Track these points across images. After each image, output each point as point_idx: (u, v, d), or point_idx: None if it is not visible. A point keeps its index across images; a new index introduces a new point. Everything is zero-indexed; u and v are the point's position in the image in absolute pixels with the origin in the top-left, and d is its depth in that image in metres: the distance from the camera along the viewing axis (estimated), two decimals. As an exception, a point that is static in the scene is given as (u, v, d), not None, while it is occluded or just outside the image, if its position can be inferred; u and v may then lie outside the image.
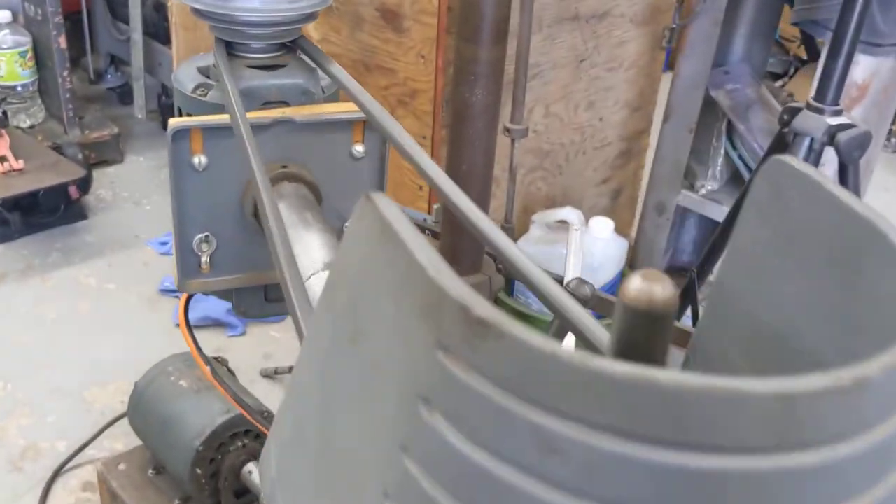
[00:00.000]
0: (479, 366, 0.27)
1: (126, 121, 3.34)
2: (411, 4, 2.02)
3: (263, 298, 1.11)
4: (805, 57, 4.34)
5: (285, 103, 1.01)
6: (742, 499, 0.25)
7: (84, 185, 2.62)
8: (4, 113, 2.60)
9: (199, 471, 1.54)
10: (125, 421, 1.90)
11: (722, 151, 2.17)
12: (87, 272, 2.50)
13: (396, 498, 0.30)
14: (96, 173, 2.86)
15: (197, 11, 1.00)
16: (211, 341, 2.26)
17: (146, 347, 2.22)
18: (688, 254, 2.62)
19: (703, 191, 2.20)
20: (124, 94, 3.55)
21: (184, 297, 1.15)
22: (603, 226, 2.13)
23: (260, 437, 1.62)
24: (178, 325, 2.31)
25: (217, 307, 2.32)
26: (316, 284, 0.82)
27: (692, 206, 2.23)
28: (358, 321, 0.34)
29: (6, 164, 2.46)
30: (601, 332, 0.54)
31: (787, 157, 0.38)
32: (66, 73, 2.91)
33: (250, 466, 1.58)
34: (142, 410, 1.64)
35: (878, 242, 0.32)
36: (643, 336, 0.32)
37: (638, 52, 2.51)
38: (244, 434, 1.60)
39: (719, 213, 2.19)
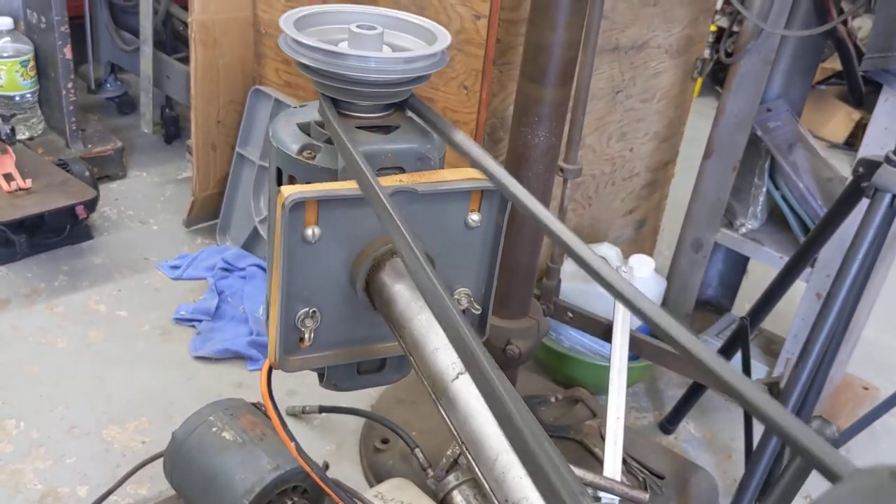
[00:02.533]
0: None
1: (127, 133, 3.22)
2: (456, 34, 1.95)
3: (356, 371, 1.03)
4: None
5: (401, 169, 0.93)
6: None
7: (92, 205, 2.51)
8: (12, 129, 2.48)
9: (245, 530, 1.46)
10: (149, 465, 1.81)
11: (764, 190, 2.13)
12: (96, 298, 2.38)
13: None
14: (100, 190, 2.75)
15: (305, 67, 0.91)
16: (231, 375, 2.17)
17: (163, 381, 2.12)
18: (713, 287, 2.58)
19: (742, 229, 2.16)
20: (123, 104, 3.43)
21: (266, 364, 1.06)
22: (644, 265, 2.08)
23: (308, 493, 1.54)
24: (195, 358, 2.22)
25: (237, 340, 2.23)
26: (464, 388, 0.75)
27: (731, 245, 2.18)
28: None
29: (13, 183, 2.34)
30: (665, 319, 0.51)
31: None
32: (70, 85, 2.79)
33: (299, 525, 1.50)
34: (181, 462, 1.55)
35: None
36: None
37: (670, 84, 2.46)
38: (293, 490, 1.52)
39: (758, 252, 2.14)
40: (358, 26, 0.94)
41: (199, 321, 2.31)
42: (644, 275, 2.06)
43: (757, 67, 1.97)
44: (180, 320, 2.33)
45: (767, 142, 2.06)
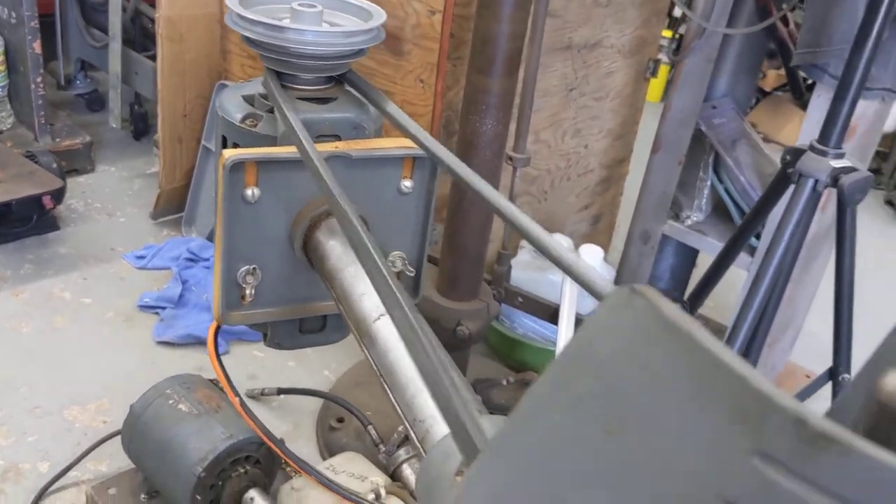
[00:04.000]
0: (811, 478, 0.27)
1: (96, 129, 3.27)
2: (412, 29, 2.02)
3: (298, 330, 1.10)
4: (767, 89, 4.47)
5: (337, 137, 1.01)
6: None
7: (58, 195, 2.55)
8: (-19, 120, 2.52)
9: (199, 497, 1.52)
10: (108, 443, 1.86)
11: (708, 184, 2.22)
12: (61, 286, 2.43)
13: None
14: (67, 183, 2.79)
15: (249, 41, 0.99)
16: (193, 360, 2.22)
17: (126, 366, 2.17)
18: (665, 280, 2.67)
19: (688, 221, 2.25)
20: (92, 101, 3.48)
21: (213, 325, 1.13)
22: (592, 254, 2.16)
23: (260, 463, 1.60)
24: (158, 343, 2.27)
25: (200, 325, 2.28)
26: (384, 328, 0.82)
27: (677, 236, 2.27)
28: (616, 414, 0.34)
29: (-20, 172, 2.39)
30: (605, 285, 0.59)
31: None
32: (39, 79, 2.83)
33: (252, 493, 1.56)
34: (139, 434, 1.60)
35: None
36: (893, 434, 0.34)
37: (623, 83, 2.56)
38: (245, 460, 1.57)
39: (703, 243, 2.23)
40: (299, 4, 1.01)
41: (163, 308, 2.36)
42: (593, 263, 2.14)
43: (700, 66, 2.07)
44: (144, 307, 2.38)
45: (711, 137, 2.16)
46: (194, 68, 2.57)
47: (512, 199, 1.91)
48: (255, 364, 2.25)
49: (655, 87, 4.53)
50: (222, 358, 2.33)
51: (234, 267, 0.98)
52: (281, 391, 2.06)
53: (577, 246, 2.37)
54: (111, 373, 2.13)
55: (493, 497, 0.42)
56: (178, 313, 2.35)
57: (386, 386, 0.79)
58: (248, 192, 0.94)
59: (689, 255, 2.60)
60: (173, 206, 2.77)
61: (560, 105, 2.36)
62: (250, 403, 2.11)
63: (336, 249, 0.93)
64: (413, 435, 0.74)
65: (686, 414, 0.31)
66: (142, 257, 2.58)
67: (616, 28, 2.39)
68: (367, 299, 0.85)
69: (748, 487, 0.29)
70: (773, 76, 4.40)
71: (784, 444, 0.28)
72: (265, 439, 1.27)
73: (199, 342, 2.27)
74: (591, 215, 2.77)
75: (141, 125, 3.30)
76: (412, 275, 1.08)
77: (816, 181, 1.52)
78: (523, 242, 2.28)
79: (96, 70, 3.44)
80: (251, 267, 0.99)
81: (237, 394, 1.12)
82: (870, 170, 4.04)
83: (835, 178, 1.51)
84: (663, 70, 4.15)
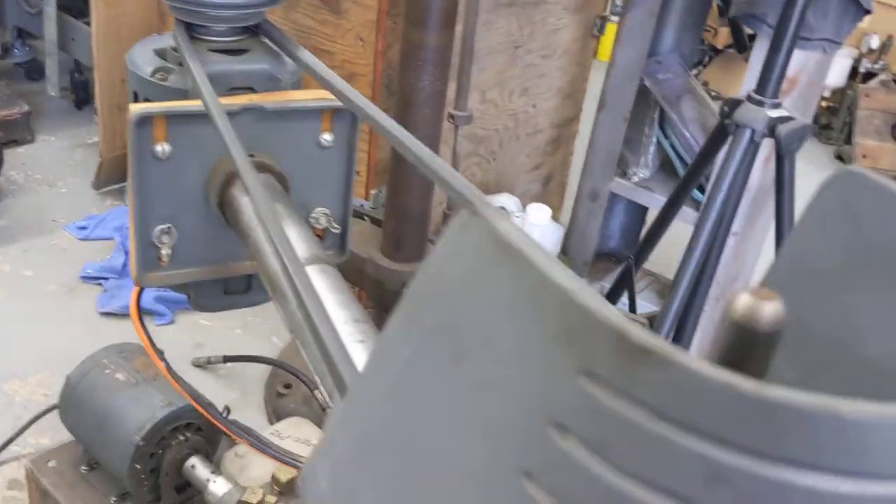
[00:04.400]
0: (633, 394, 0.26)
1: (36, 98, 3.18)
2: (350, -14, 1.98)
3: (222, 292, 1.07)
4: (719, 46, 4.48)
5: (251, 89, 0.97)
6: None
7: (-5, 166, 2.48)
8: None
9: (138, 466, 1.49)
10: (50, 416, 1.83)
11: (654, 140, 2.21)
12: (0, 258, 2.37)
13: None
14: (6, 154, 2.71)
15: (156, -9, 0.95)
16: (138, 330, 2.18)
17: (68, 338, 2.13)
18: (615, 239, 2.67)
19: (635, 178, 2.24)
20: (32, 70, 3.38)
21: (135, 289, 1.10)
22: (540, 212, 2.15)
23: (202, 430, 1.58)
24: (102, 314, 2.23)
25: (144, 295, 2.24)
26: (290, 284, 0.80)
27: (624, 193, 2.27)
28: (461, 341, 0.32)
29: None
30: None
31: (860, 170, 0.38)
32: (-28, 47, 2.74)
33: (193, 461, 1.54)
34: (75, 404, 1.57)
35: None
36: (748, 353, 0.33)
37: (571, 40, 2.53)
38: (185, 427, 1.55)
39: (650, 200, 2.23)
40: (208, -48, 0.97)
41: (106, 279, 2.32)
42: (541, 222, 2.14)
43: (643, 20, 2.05)
44: (87, 278, 2.33)
45: (655, 93, 2.15)
46: (131, 32, 2.50)
47: (455, 156, 1.89)
48: (202, 333, 2.22)
49: (605, 45, 4.51)
50: (168, 327, 2.31)
51: (148, 226, 0.95)
52: (227, 359, 2.04)
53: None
54: (53, 345, 2.09)
55: (358, 434, 0.40)
56: (121, 283, 2.31)
57: (298, 343, 0.77)
58: (158, 147, 0.90)
59: (639, 213, 2.60)
60: (115, 175, 2.71)
61: (506, 63, 2.33)
62: (197, 372, 2.09)
63: (249, 206, 0.90)
64: (322, 390, 0.72)
65: (519, 335, 0.30)
66: (84, 228, 2.52)
67: (561, -17, 2.37)
68: (276, 256, 0.83)
69: (575, 407, 0.28)
70: (724, 33, 4.40)
71: (606, 360, 0.26)
72: (196, 406, 1.24)
73: (145, 312, 2.23)
74: (541, 176, 2.76)
75: (82, 93, 3.21)
76: (337, 231, 1.06)
77: (753, 131, 1.52)
78: (471, 203, 2.26)
79: (35, 38, 3.34)
80: (166, 226, 0.95)
81: (162, 358, 1.09)
82: (820, 125, 4.07)
83: (771, 128, 1.51)
84: (611, 28, 4.14)
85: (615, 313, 0.27)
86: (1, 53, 3.29)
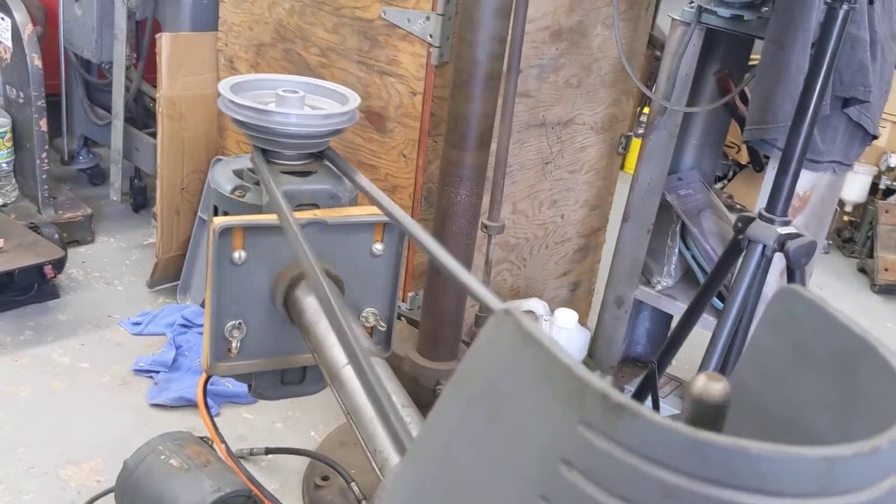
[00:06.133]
0: (614, 437, 0.39)
1: (96, 202, 3.41)
2: (395, 108, 2.18)
3: (280, 382, 1.20)
4: (743, 162, 4.65)
5: (315, 206, 1.13)
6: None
7: (59, 265, 2.67)
8: (-12, 193, 2.66)
9: (187, 548, 1.59)
10: (102, 499, 1.94)
11: (676, 251, 2.34)
12: (59, 351, 2.53)
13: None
14: (68, 253, 2.91)
15: (239, 122, 1.12)
16: (185, 421, 2.30)
17: (120, 427, 2.25)
18: (642, 345, 2.77)
19: (658, 287, 2.37)
20: (94, 175, 3.63)
21: (203, 377, 1.23)
22: (567, 317, 2.27)
23: (247, 516, 1.68)
24: (151, 406, 2.36)
25: (192, 388, 2.37)
26: (350, 373, 0.93)
27: (648, 301, 2.38)
28: (495, 404, 0.45)
29: (-14, 242, 2.51)
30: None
31: (798, 287, 0.51)
32: (44, 155, 2.98)
33: (238, 544, 1.63)
34: (132, 488, 1.68)
35: (870, 354, 0.45)
36: (707, 419, 0.45)
37: (597, 157, 2.71)
38: (233, 512, 1.65)
39: (674, 307, 2.35)
40: (283, 91, 1.15)
41: (157, 372, 2.45)
42: (568, 326, 2.25)
43: (664, 141, 2.22)
44: (139, 371, 2.47)
45: (677, 207, 2.29)
46: (192, 145, 2.72)
47: (488, 264, 2.03)
48: (244, 425, 2.34)
49: (631, 158, 4.71)
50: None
51: (221, 322, 1.09)
52: (269, 451, 2.15)
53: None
54: (106, 434, 2.22)
55: (415, 486, 0.53)
56: (171, 377, 2.44)
57: (352, 423, 0.89)
58: (236, 254, 1.06)
59: (664, 320, 2.71)
60: (169, 274, 2.89)
61: (536, 177, 2.50)
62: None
63: (312, 305, 1.04)
64: (374, 465, 0.84)
65: (537, 398, 0.43)
66: (138, 323, 2.68)
67: (588, 107, 2.55)
68: (336, 348, 0.96)
69: (577, 448, 0.40)
70: (746, 150, 4.58)
71: (597, 413, 0.39)
72: (252, 487, 1.36)
73: (192, 404, 2.35)
74: (569, 282, 2.89)
75: (140, 198, 3.44)
76: (384, 329, 1.19)
77: (764, 246, 1.65)
78: (502, 307, 2.39)
79: (98, 146, 3.60)
80: (237, 322, 1.10)
81: (223, 440, 1.22)
82: (843, 239, 4.16)
83: (782, 244, 1.63)
84: (636, 142, 4.34)
85: (600, 381, 0.40)
86: (67, 160, 3.55)
